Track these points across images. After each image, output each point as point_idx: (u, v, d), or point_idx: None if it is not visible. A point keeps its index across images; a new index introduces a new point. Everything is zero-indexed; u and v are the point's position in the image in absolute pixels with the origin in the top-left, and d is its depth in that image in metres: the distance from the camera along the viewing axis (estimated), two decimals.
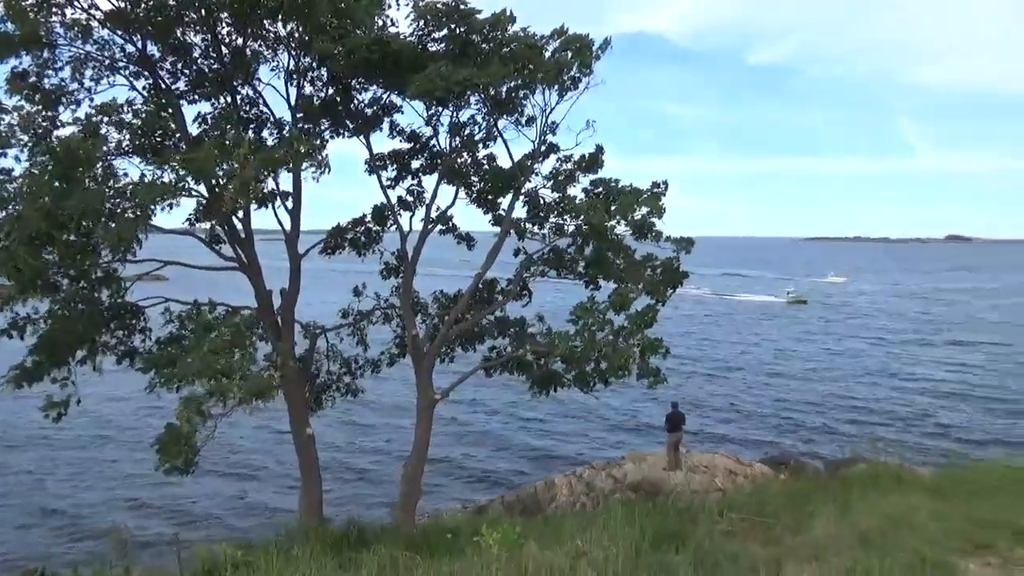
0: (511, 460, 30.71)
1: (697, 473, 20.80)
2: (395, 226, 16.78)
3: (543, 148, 15.75)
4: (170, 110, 13.70)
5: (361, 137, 16.14)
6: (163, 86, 14.20)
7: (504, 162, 16.31)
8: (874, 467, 12.81)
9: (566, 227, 16.00)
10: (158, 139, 13.36)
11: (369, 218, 17.43)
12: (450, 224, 17.24)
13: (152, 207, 11.20)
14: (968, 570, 6.91)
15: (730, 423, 35.98)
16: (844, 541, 7.47)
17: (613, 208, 14.41)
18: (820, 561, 6.99)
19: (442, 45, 14.12)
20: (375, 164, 16.41)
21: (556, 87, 14.68)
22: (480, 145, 16.30)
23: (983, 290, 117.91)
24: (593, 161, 15.75)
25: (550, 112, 15.23)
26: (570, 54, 14.19)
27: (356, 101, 15.77)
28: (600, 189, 15.33)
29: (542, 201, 16.33)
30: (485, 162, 16.68)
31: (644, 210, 14.05)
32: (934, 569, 6.71)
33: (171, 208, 11.88)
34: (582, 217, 14.78)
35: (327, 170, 12.93)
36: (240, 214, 14.54)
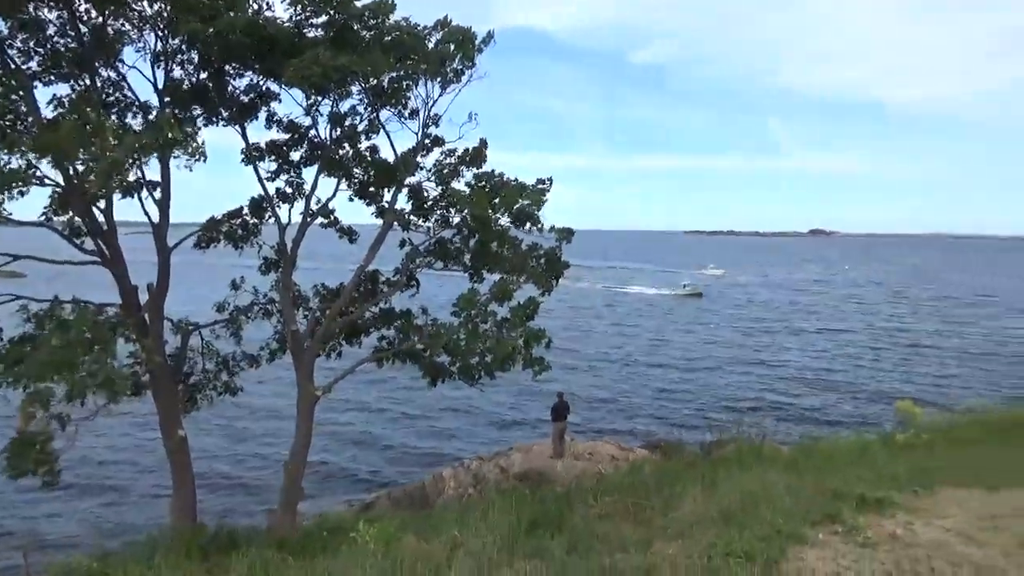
0: (397, 458, 30.40)
1: (581, 460, 21.31)
2: (274, 219, 16.21)
3: (427, 141, 15.68)
4: (21, 92, 12.62)
5: (237, 126, 15.47)
6: (13, 66, 13.05)
7: (387, 154, 16.12)
8: (739, 447, 13.61)
9: (451, 219, 15.97)
10: (7, 123, 12.30)
11: (246, 210, 16.73)
12: (332, 217, 16.82)
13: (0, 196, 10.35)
14: (818, 539, 7.46)
15: (614, 412, 37.23)
16: (709, 518, 7.90)
17: (496, 201, 14.54)
18: (686, 538, 7.37)
19: (321, 31, 13.74)
20: (252, 154, 15.76)
21: (439, 79, 14.65)
22: (362, 136, 16.01)
23: (840, 281, 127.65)
24: (477, 155, 15.80)
25: (433, 104, 15.21)
26: (453, 46, 14.17)
27: (231, 87, 15.08)
28: (484, 183, 15.41)
29: (426, 194, 16.23)
30: (367, 154, 16.38)
31: (526, 202, 14.26)
32: (787, 539, 7.23)
33: (21, 196, 11.08)
34: (466, 210, 14.81)
35: (202, 158, 12.38)
36: (102, 204, 13.66)
